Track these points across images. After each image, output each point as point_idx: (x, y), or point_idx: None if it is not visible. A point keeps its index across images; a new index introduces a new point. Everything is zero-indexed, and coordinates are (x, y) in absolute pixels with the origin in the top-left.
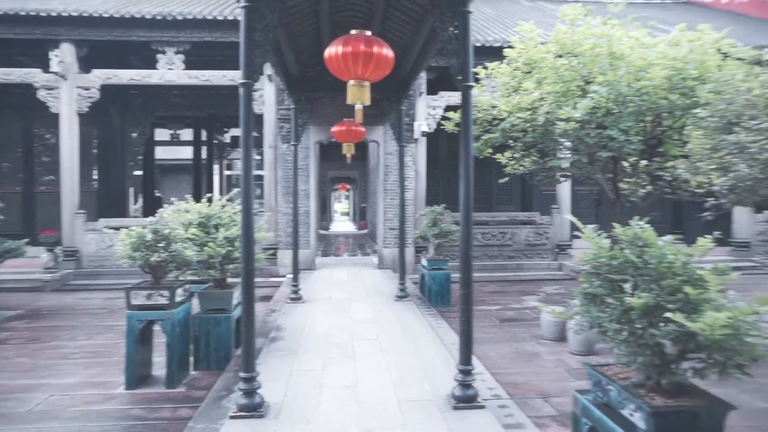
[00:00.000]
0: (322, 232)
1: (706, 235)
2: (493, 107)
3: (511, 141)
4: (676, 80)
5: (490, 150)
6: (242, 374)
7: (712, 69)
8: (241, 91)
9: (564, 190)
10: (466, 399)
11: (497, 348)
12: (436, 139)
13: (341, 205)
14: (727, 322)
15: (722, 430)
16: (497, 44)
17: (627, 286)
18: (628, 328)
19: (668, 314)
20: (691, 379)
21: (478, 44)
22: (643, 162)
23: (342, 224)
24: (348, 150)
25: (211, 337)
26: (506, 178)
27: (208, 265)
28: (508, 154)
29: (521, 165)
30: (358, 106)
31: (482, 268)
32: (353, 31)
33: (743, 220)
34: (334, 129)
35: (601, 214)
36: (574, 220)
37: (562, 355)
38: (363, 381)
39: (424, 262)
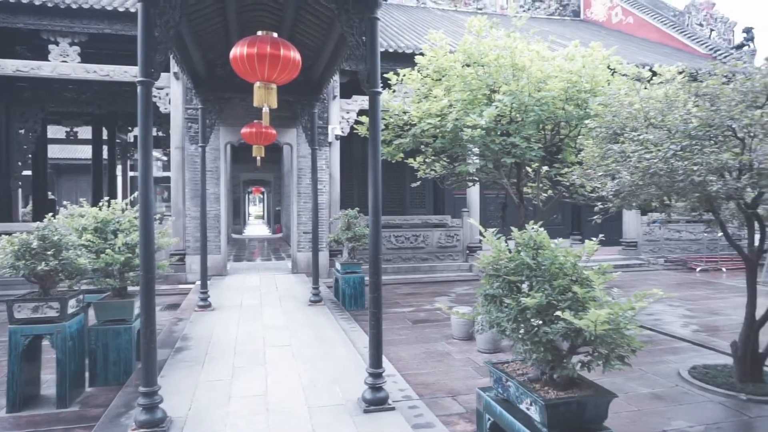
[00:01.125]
0: (236, 236)
1: (593, 238)
2: (405, 113)
3: (422, 146)
4: (571, 92)
5: (401, 155)
6: (142, 389)
7: (602, 83)
8: (139, 90)
9: (473, 194)
10: (376, 402)
11: (409, 349)
12: (350, 142)
13: (256, 208)
14: (608, 317)
15: (606, 416)
16: (409, 51)
17: (524, 287)
18: (524, 326)
19: (558, 312)
20: (580, 371)
21: (391, 50)
22: (544, 168)
23: (256, 228)
24: (258, 152)
25: (110, 350)
26: (418, 182)
27: (106, 274)
28: (419, 158)
29: (432, 169)
30: (266, 109)
31: (396, 271)
32: (260, 32)
33: (631, 221)
34: (244, 131)
35: (507, 218)
36: (477, 224)
37: (470, 353)
38: (273, 389)
39: (338, 265)
